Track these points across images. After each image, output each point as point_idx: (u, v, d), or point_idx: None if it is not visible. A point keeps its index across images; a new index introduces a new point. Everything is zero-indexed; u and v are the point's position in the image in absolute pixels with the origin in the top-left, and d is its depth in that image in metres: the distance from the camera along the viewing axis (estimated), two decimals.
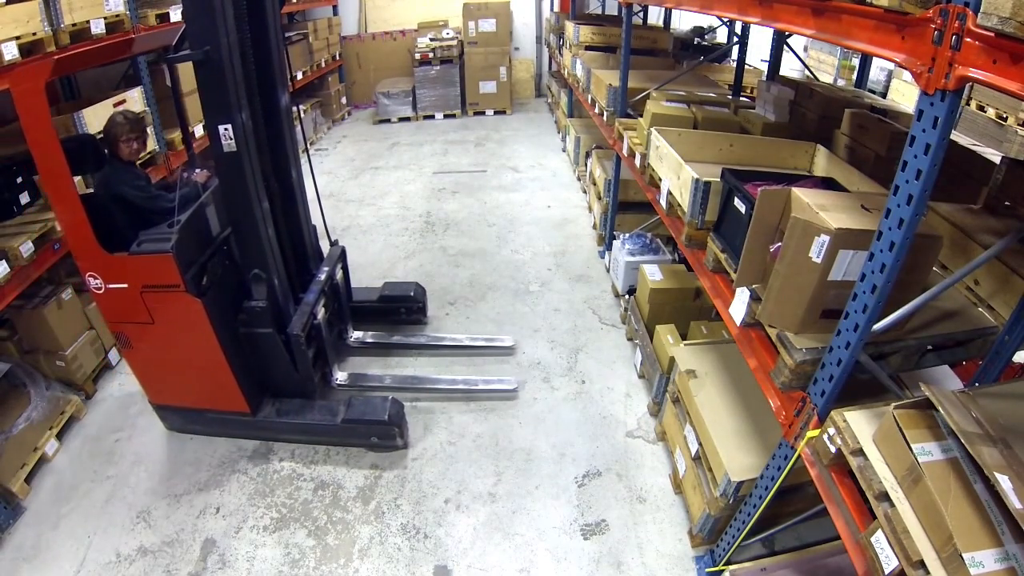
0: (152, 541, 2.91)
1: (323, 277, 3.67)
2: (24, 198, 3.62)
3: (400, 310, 4.37)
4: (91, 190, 3.31)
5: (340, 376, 3.80)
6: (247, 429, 3.43)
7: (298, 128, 3.44)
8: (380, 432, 3.31)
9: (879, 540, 1.53)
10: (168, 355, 3.14)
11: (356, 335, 4.21)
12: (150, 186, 3.20)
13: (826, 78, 7.69)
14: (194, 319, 2.92)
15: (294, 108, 3.41)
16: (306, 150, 3.58)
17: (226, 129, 2.69)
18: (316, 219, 3.87)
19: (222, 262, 3.16)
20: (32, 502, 3.12)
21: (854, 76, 4.99)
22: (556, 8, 9.92)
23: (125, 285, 2.87)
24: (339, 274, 3.93)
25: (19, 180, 3.59)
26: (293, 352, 3.25)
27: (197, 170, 3.42)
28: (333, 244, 4.02)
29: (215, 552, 2.86)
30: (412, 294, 4.35)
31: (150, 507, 3.08)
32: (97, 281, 2.87)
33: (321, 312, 3.53)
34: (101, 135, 3.15)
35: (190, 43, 2.56)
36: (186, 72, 4.17)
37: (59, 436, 3.45)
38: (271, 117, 3.16)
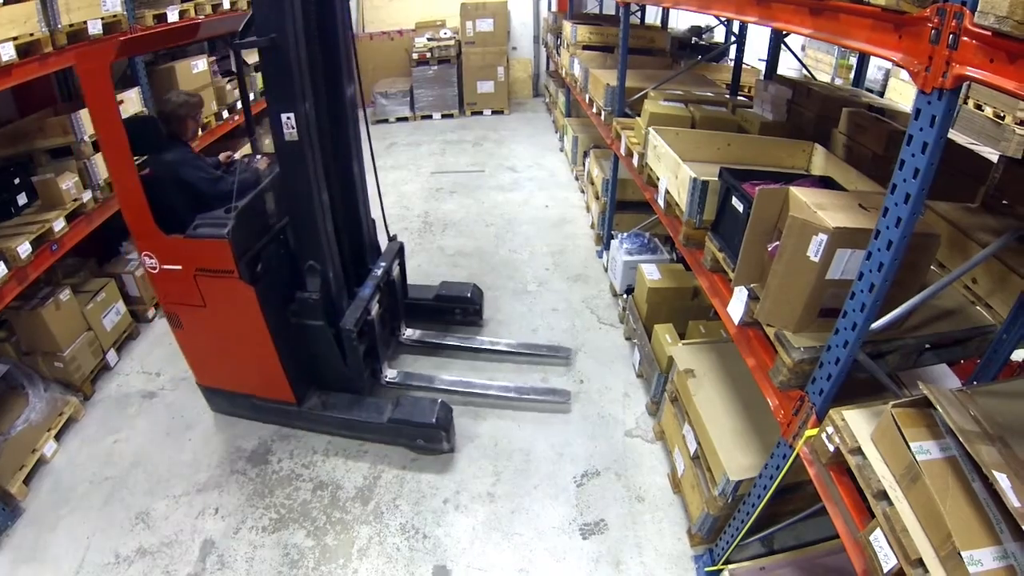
0: (151, 542, 2.91)
1: (379, 272, 3.63)
2: (22, 199, 3.61)
3: (455, 311, 4.32)
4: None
5: (390, 373, 3.75)
6: (291, 419, 3.45)
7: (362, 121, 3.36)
8: (426, 435, 3.26)
9: (878, 539, 1.53)
10: (217, 339, 3.16)
11: (408, 332, 4.16)
12: (212, 168, 3.18)
13: (824, 77, 7.68)
14: (245, 306, 2.93)
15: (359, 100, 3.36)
16: (370, 143, 3.51)
17: (288, 118, 2.67)
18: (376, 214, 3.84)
19: (277, 251, 3.14)
20: (31, 503, 3.12)
21: (852, 75, 4.98)
22: (554, 8, 9.91)
23: (179, 267, 2.90)
24: (396, 270, 3.89)
25: (17, 181, 3.58)
26: (344, 346, 3.23)
27: (258, 156, 3.39)
28: (391, 239, 3.96)
29: (214, 553, 2.86)
30: (469, 295, 4.29)
31: (149, 508, 3.08)
32: (152, 261, 2.92)
33: (375, 308, 3.48)
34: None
35: (256, 29, 2.54)
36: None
37: (57, 437, 3.44)
38: (335, 108, 3.11)
